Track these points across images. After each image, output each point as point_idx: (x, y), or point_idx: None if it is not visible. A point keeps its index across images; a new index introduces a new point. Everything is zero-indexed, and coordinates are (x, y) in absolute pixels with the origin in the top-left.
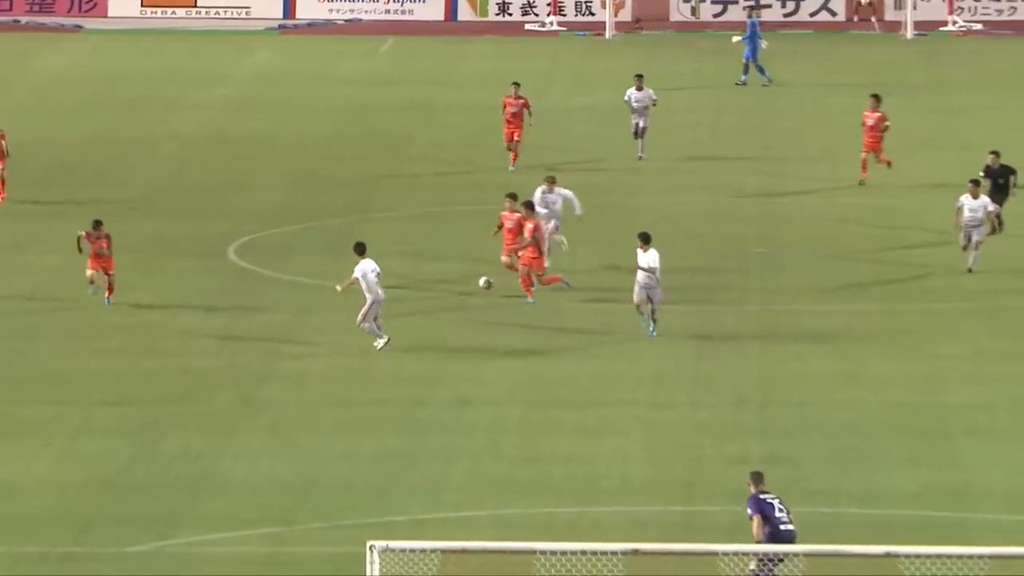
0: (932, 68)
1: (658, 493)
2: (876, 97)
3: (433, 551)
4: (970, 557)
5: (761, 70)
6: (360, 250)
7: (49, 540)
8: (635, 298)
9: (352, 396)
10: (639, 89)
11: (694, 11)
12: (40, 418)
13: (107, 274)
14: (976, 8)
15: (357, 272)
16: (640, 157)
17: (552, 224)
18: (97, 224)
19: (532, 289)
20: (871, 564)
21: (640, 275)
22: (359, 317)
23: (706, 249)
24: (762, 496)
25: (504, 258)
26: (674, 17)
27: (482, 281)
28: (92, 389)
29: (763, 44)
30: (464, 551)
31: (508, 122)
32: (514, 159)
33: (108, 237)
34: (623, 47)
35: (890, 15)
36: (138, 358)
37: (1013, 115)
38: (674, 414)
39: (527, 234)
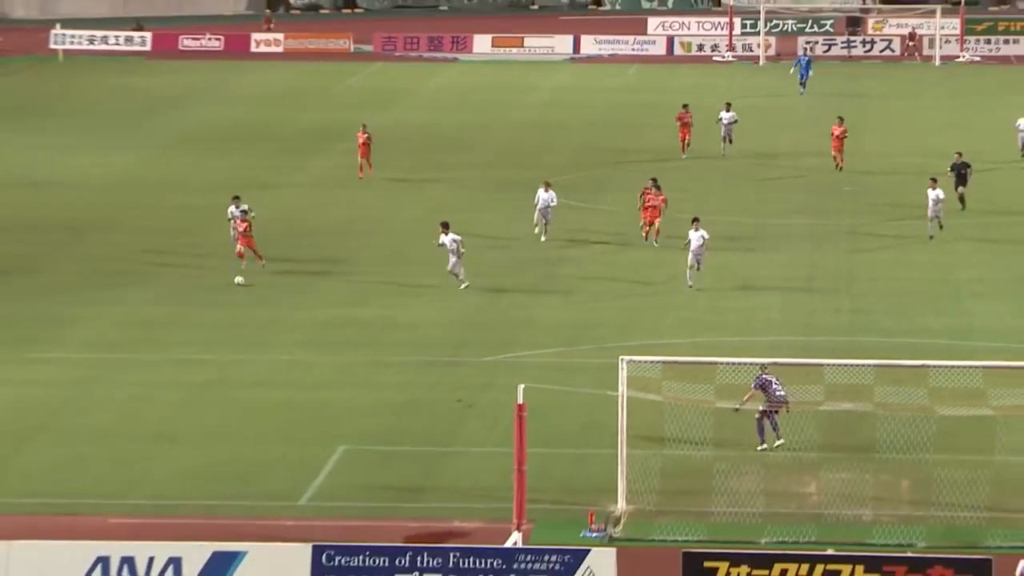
0: (950, 83)
1: (788, 329)
2: (841, 118)
3: (655, 363)
4: (972, 367)
5: (803, 86)
6: (445, 226)
7: (437, 353)
8: (688, 261)
9: (609, 275)
10: (727, 111)
11: (811, 48)
12: (432, 284)
13: (252, 248)
14: (976, 48)
15: (445, 241)
16: (724, 154)
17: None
18: (244, 211)
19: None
20: (912, 372)
21: (693, 245)
22: (449, 267)
23: (816, 191)
24: (765, 376)
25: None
26: (798, 51)
27: (238, 280)
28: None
29: (811, 72)
30: (675, 363)
31: (681, 128)
32: (683, 149)
33: (248, 221)
34: (771, 70)
35: (926, 51)
36: (485, 250)
37: (998, 110)
38: (797, 284)
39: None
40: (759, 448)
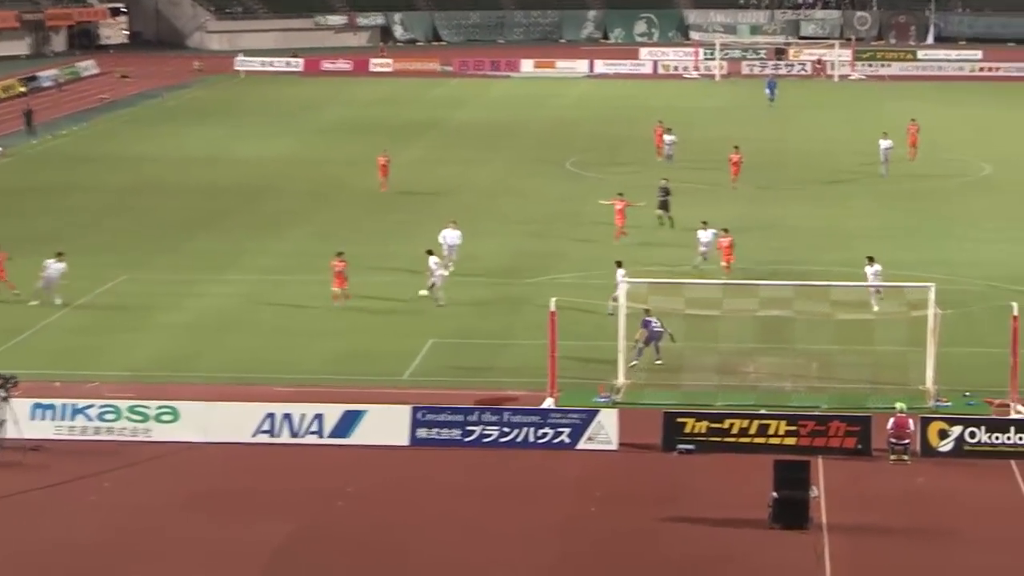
0: (844, 93)
1: (735, 259)
2: (736, 147)
3: (644, 283)
4: (858, 286)
5: (771, 100)
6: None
7: (496, 276)
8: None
9: (613, 223)
10: (669, 134)
11: (776, 72)
12: (492, 229)
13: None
14: (862, 69)
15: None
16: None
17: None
18: (339, 253)
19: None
20: (819, 289)
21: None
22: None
23: (755, 168)
24: (647, 318)
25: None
26: (744, 72)
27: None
28: (528, 224)
29: (777, 91)
30: (657, 283)
31: (656, 138)
32: (659, 154)
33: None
34: (726, 85)
35: (828, 72)
36: (530, 205)
37: (876, 110)
38: (741, 229)
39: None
40: (630, 365)
